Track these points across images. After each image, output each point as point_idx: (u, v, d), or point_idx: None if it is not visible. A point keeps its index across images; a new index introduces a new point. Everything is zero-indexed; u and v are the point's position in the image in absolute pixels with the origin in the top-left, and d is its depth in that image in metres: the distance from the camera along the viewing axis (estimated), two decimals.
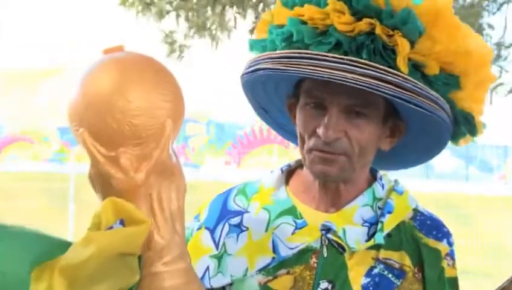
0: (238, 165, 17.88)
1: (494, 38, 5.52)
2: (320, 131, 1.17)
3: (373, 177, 1.31)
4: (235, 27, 5.40)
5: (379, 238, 1.22)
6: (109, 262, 0.91)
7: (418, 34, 1.16)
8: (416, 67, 1.16)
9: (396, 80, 1.12)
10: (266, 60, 1.20)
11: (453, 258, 1.28)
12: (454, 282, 1.29)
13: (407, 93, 1.13)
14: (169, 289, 0.96)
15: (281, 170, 1.34)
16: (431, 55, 1.17)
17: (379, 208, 1.27)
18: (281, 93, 1.31)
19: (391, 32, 1.15)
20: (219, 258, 1.27)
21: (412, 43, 1.15)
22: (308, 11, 1.19)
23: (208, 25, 5.39)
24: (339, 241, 1.22)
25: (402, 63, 1.14)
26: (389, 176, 1.42)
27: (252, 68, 1.24)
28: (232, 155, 18.54)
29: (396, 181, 1.33)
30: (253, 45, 1.30)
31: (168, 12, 5.42)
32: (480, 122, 1.27)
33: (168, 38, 5.55)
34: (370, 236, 1.23)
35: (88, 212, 1.03)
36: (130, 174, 0.96)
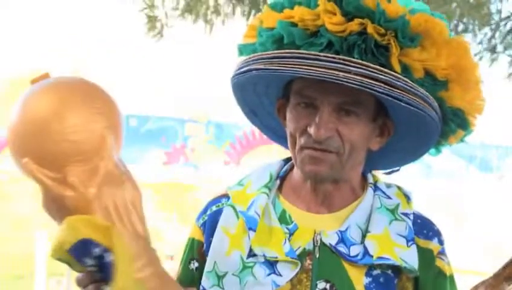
0: (238, 165, 17.85)
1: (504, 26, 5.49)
2: (311, 130, 1.18)
3: (366, 181, 1.32)
4: (233, 13, 5.34)
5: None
6: None
7: (410, 44, 1.17)
8: (403, 68, 1.18)
9: (387, 78, 1.13)
10: (258, 61, 1.21)
11: (446, 256, 1.29)
12: (453, 279, 1.30)
13: (398, 91, 1.14)
14: None
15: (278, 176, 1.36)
16: (418, 61, 1.18)
17: (404, 214, 1.29)
18: (271, 95, 1.31)
19: (383, 31, 1.16)
20: None
21: (402, 48, 1.17)
22: (299, 13, 1.19)
23: (202, 10, 5.33)
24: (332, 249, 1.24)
25: (395, 62, 1.16)
26: (387, 177, 1.41)
27: (243, 69, 1.24)
28: (231, 155, 18.54)
29: (398, 185, 1.34)
30: (243, 49, 1.30)
31: None
32: (472, 116, 1.28)
33: (147, 11, 5.50)
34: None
35: None
36: (80, 190, 0.97)
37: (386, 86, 1.14)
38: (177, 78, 15.96)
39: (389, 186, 1.34)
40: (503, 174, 16.47)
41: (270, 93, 1.33)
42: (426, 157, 1.34)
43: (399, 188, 1.34)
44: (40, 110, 0.99)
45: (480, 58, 5.57)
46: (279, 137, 1.41)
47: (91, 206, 0.98)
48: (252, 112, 1.40)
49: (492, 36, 5.44)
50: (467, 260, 8.12)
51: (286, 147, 1.37)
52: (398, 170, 1.42)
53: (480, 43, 5.48)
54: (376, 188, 1.32)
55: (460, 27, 5.35)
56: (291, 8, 1.22)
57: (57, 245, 0.96)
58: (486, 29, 5.44)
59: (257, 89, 1.32)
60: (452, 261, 1.29)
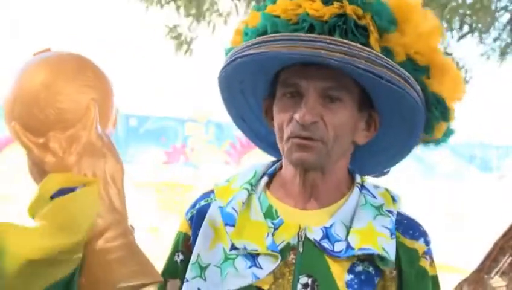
0: (238, 164, 17.86)
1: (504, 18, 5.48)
2: (297, 115, 1.20)
3: (352, 180, 1.33)
4: (237, 13, 5.34)
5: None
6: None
7: (389, 28, 1.21)
8: (385, 52, 1.20)
9: (368, 56, 1.16)
10: (243, 49, 1.24)
11: (431, 257, 1.30)
12: (436, 280, 1.31)
13: (378, 68, 1.17)
14: (113, 261, 0.99)
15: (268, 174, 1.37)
16: (398, 44, 1.21)
17: (388, 211, 1.29)
18: (257, 95, 1.33)
19: (361, 13, 1.19)
20: None
21: (381, 32, 1.21)
22: (281, 5, 1.23)
23: (205, 12, 5.31)
24: (317, 245, 1.25)
25: (374, 41, 1.19)
26: (387, 178, 1.42)
27: (229, 60, 1.27)
28: (232, 155, 18.56)
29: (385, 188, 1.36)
30: (229, 51, 1.32)
31: (168, 2, 5.37)
32: (452, 107, 1.29)
33: (172, 33, 5.48)
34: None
35: None
36: (59, 156, 1.01)
37: (366, 63, 1.17)
38: (177, 78, 15.96)
39: (377, 187, 1.35)
40: (503, 174, 16.48)
41: (256, 93, 1.34)
42: (426, 158, 1.35)
43: (387, 190, 1.36)
44: (32, 78, 1.05)
45: (488, 58, 5.56)
46: (265, 143, 1.43)
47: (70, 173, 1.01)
48: (239, 116, 1.41)
49: (498, 37, 5.43)
50: (467, 260, 8.12)
51: (272, 154, 1.41)
52: (388, 172, 1.43)
53: (483, 42, 5.47)
54: (363, 187, 1.33)
55: (465, 29, 5.35)
56: (274, 3, 1.26)
57: (39, 195, 0.98)
58: (491, 30, 5.44)
59: (244, 88, 1.34)
60: (452, 261, 1.30)
